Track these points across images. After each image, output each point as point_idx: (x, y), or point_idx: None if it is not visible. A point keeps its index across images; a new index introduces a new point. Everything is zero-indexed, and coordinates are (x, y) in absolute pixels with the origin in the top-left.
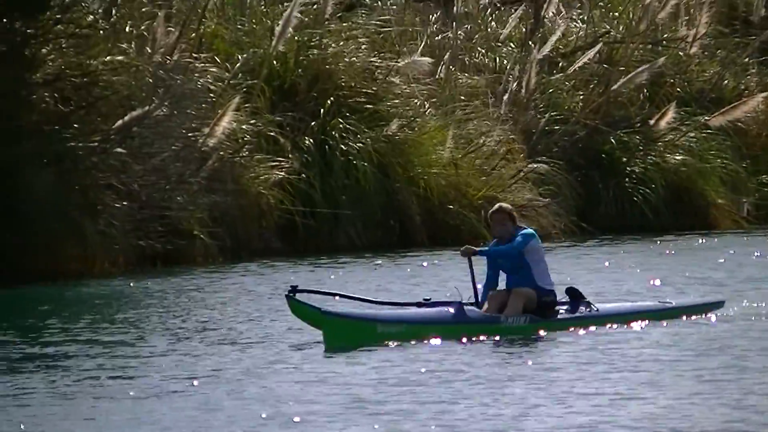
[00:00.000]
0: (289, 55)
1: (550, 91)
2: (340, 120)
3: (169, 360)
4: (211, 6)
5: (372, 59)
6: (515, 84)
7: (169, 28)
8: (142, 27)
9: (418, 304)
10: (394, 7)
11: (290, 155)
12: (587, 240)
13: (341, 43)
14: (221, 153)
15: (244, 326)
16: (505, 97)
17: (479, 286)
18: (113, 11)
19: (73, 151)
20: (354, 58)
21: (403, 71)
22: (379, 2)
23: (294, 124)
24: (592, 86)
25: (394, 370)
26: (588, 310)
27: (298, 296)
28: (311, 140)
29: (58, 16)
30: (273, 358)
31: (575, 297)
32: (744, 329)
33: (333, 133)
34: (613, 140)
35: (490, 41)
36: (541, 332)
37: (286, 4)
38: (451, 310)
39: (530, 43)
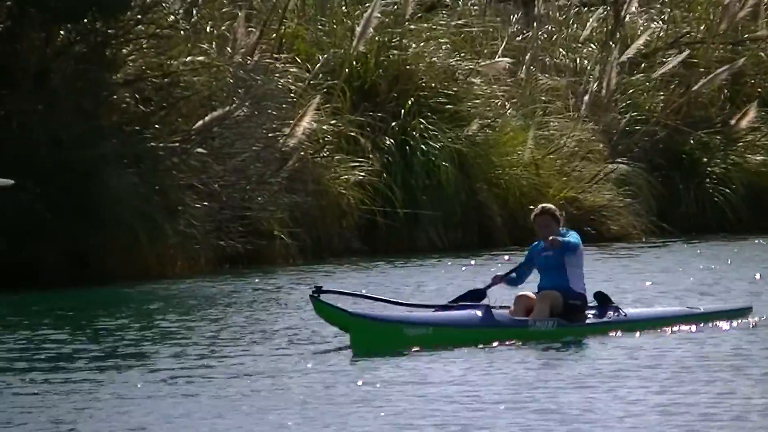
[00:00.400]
0: (370, 55)
1: (631, 91)
2: (421, 120)
3: (250, 359)
4: (291, 6)
5: (453, 60)
6: (596, 84)
7: (250, 29)
8: (223, 27)
9: (445, 307)
10: (475, 7)
11: (371, 155)
12: (667, 239)
13: (422, 43)
14: (302, 153)
15: (322, 328)
16: (586, 98)
17: (513, 274)
18: (194, 12)
19: (153, 152)
20: (435, 59)
21: (484, 72)
22: (460, 3)
23: (374, 124)
24: (672, 87)
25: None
26: (616, 314)
27: (323, 297)
28: (392, 140)
29: (139, 17)
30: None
31: (603, 301)
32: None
33: (414, 133)
34: (693, 141)
35: (571, 42)
36: (568, 337)
37: (366, 4)
38: (479, 312)
39: (610, 43)
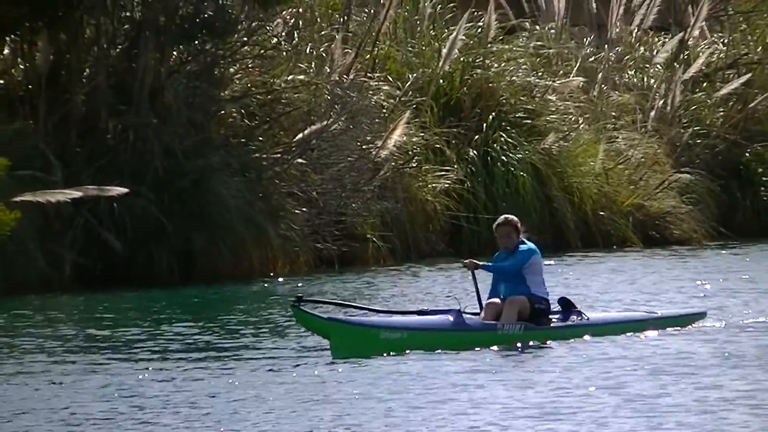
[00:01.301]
0: (455, 74)
1: (693, 108)
2: (501, 134)
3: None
4: (384, 30)
5: (531, 78)
6: (661, 101)
7: (346, 50)
8: (321, 49)
9: (419, 312)
10: (552, 31)
11: (455, 165)
12: (726, 243)
13: (503, 63)
14: (392, 163)
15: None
16: (652, 114)
17: (484, 297)
18: (295, 34)
19: (257, 162)
20: (514, 78)
21: (559, 89)
22: (538, 27)
23: (459, 137)
24: (731, 104)
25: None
26: (579, 318)
27: (303, 307)
28: (475, 152)
29: (245, 39)
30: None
31: (567, 307)
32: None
33: (495, 145)
34: (750, 153)
35: (639, 63)
36: (537, 339)
37: (452, 27)
38: (451, 317)
39: (675, 64)
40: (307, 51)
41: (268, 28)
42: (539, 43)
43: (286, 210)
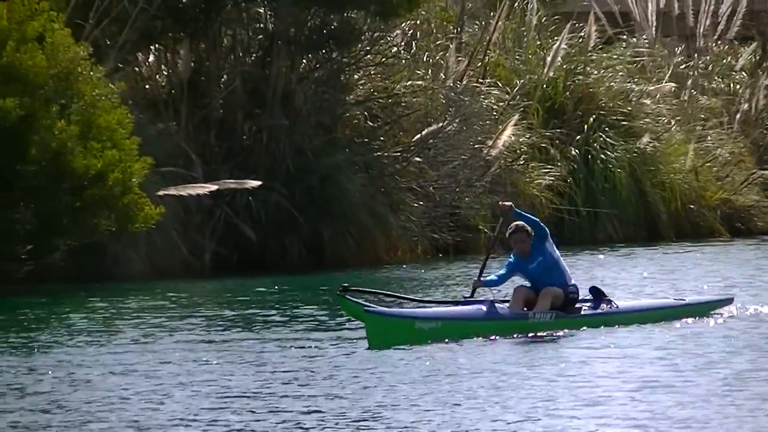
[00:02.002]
0: (559, 80)
1: None
2: (600, 134)
3: None
4: (494, 39)
5: (627, 84)
6: (746, 105)
7: (459, 58)
8: (437, 57)
9: (455, 303)
10: (646, 41)
11: (559, 163)
12: None
13: (602, 70)
14: (502, 161)
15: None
16: (737, 116)
17: (494, 276)
18: (413, 44)
19: (379, 160)
20: (612, 83)
21: (653, 94)
22: (634, 38)
23: (562, 137)
24: None
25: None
26: (609, 307)
27: (348, 295)
28: (576, 151)
29: (368, 48)
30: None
31: (598, 295)
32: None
33: (594, 145)
34: None
35: (725, 70)
36: (568, 327)
37: (555, 38)
38: (484, 307)
39: (759, 71)
40: (424, 59)
41: (388, 38)
42: (635, 52)
43: (405, 203)
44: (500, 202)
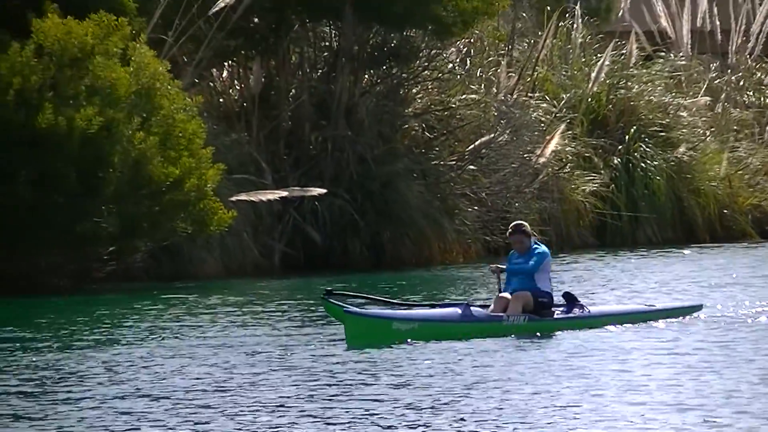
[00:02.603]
0: (602, 94)
1: None
2: (641, 144)
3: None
4: (542, 56)
5: (665, 98)
6: None
7: (510, 74)
8: (489, 72)
9: (432, 305)
10: (683, 58)
11: (602, 171)
12: None
13: (642, 85)
14: (549, 169)
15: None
16: None
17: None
18: (467, 60)
19: (436, 168)
20: (651, 97)
21: (689, 107)
22: (672, 55)
23: (605, 147)
24: None
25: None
26: (581, 311)
27: (332, 299)
28: (618, 160)
29: (426, 64)
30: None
31: (570, 300)
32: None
33: (635, 154)
34: None
35: (756, 84)
36: (540, 330)
37: (599, 55)
38: (459, 310)
39: None
40: (478, 74)
41: (444, 55)
42: (672, 67)
43: (459, 208)
44: (489, 267)
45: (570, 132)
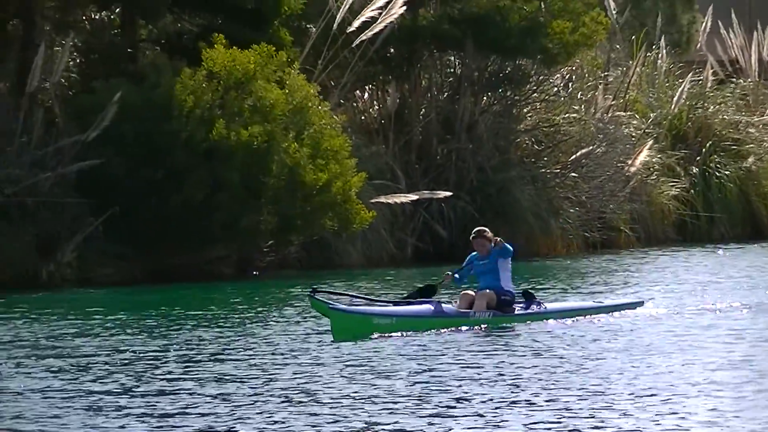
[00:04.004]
0: (683, 113)
1: None
2: (715, 156)
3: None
4: (633, 81)
5: (736, 117)
6: None
7: (606, 96)
8: (588, 95)
9: (408, 302)
10: (751, 82)
11: (683, 178)
12: None
13: (716, 105)
14: (639, 176)
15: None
16: None
17: (457, 275)
18: (570, 85)
19: (543, 175)
20: (725, 116)
21: (757, 124)
22: (741, 80)
23: (685, 158)
24: None
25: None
26: (538, 307)
27: (318, 296)
28: (696, 169)
29: (535, 88)
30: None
31: (528, 298)
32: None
33: (710, 164)
34: None
35: None
36: (502, 324)
37: (680, 80)
38: (432, 306)
39: None
40: (578, 96)
41: (550, 80)
42: (743, 90)
43: (563, 209)
44: (445, 275)
45: (656, 145)
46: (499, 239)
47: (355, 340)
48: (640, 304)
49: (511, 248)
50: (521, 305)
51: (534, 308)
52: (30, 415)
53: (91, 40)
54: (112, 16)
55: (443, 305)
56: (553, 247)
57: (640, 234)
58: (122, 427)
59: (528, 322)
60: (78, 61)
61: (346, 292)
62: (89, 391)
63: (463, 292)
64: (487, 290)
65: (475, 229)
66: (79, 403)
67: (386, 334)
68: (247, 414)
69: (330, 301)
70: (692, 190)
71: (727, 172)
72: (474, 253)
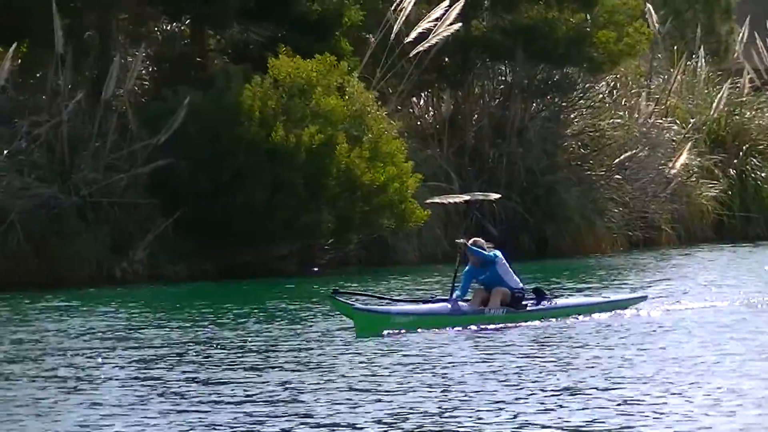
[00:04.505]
0: (721, 119)
1: None
2: (752, 159)
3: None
4: (674, 89)
5: None
6: None
7: (648, 103)
8: (632, 101)
9: (425, 301)
10: None
11: (720, 180)
12: None
13: (753, 111)
14: (679, 178)
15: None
16: None
17: (456, 293)
18: (614, 92)
19: (589, 177)
20: (761, 122)
21: None
22: None
23: (723, 161)
24: None
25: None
26: (549, 303)
27: (339, 297)
28: (733, 171)
29: (581, 95)
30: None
31: (540, 294)
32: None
33: (747, 167)
34: None
35: None
36: (516, 320)
37: (718, 87)
38: (449, 305)
39: None
40: (622, 103)
41: (596, 87)
42: None
43: (608, 209)
44: (458, 241)
45: (695, 149)
46: (463, 241)
47: (376, 336)
48: (644, 299)
49: (492, 254)
50: (532, 301)
51: (545, 304)
52: (112, 400)
53: (163, 50)
54: (182, 27)
55: (459, 303)
56: (598, 245)
57: (680, 233)
58: (203, 412)
59: (540, 319)
60: (150, 69)
61: (364, 292)
62: (166, 380)
63: (476, 289)
64: (501, 288)
65: (471, 240)
66: (158, 390)
67: (404, 330)
68: (327, 399)
69: (351, 302)
70: (729, 192)
71: (762, 174)
72: (467, 270)
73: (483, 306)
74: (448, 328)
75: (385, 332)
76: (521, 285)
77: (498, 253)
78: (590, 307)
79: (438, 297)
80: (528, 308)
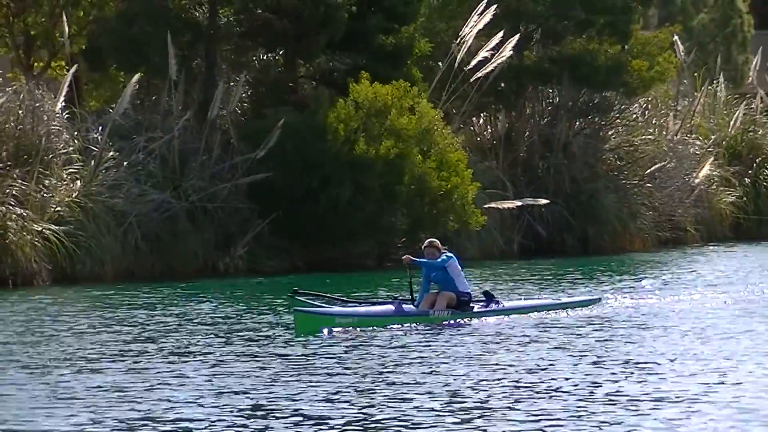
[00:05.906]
0: (738, 135)
1: None
2: (765, 169)
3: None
4: (697, 109)
5: None
6: None
7: (676, 122)
8: (661, 120)
9: (371, 303)
10: None
11: (737, 188)
12: None
13: (766, 129)
14: (702, 187)
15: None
16: None
17: (416, 295)
18: (646, 112)
19: (624, 186)
20: None
21: None
22: None
23: (740, 172)
24: None
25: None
26: (496, 305)
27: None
28: (748, 180)
29: (618, 115)
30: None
31: (488, 297)
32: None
33: (760, 177)
34: None
35: None
36: (459, 321)
37: (735, 108)
38: (392, 306)
39: None
40: (653, 122)
41: (630, 108)
42: None
43: (640, 213)
44: (403, 258)
45: (716, 161)
46: (407, 257)
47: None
48: (597, 301)
49: (440, 261)
50: (482, 304)
51: (493, 306)
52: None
53: (260, 76)
54: (276, 57)
55: (403, 305)
56: (632, 244)
57: (702, 233)
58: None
59: (484, 318)
60: (249, 93)
61: (322, 293)
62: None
63: (426, 294)
64: (447, 292)
65: (427, 240)
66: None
67: (348, 328)
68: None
69: (304, 303)
70: (745, 198)
71: None
72: (424, 272)
73: (430, 308)
74: (388, 326)
75: (325, 330)
76: (469, 289)
77: (451, 255)
78: (539, 308)
79: (399, 298)
80: (475, 309)
